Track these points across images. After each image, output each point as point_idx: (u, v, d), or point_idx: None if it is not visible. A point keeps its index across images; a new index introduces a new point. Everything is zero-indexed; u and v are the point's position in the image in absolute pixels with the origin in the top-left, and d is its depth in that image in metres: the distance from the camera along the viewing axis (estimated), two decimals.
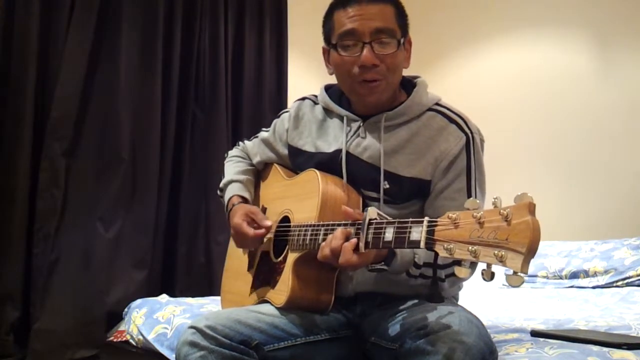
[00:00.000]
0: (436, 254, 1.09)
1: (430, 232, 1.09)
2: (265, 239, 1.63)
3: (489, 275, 1.00)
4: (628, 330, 1.81)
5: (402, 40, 1.49)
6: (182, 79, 3.32)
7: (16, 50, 2.79)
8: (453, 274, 1.40)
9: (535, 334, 1.61)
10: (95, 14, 2.97)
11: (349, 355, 1.51)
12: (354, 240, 1.26)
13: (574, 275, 3.02)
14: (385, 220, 1.22)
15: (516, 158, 3.71)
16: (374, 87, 1.49)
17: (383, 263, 1.33)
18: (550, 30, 3.76)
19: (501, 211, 0.97)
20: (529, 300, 2.68)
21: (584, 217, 3.39)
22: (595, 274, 2.96)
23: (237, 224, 1.60)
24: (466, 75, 4.13)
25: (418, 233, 1.11)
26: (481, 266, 1.02)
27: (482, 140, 1.55)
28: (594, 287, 2.90)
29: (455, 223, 1.04)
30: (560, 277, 3.06)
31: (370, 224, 1.24)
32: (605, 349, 1.43)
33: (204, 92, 3.40)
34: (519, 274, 0.95)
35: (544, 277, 3.12)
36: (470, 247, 1.00)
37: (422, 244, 1.10)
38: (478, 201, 1.04)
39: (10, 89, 2.78)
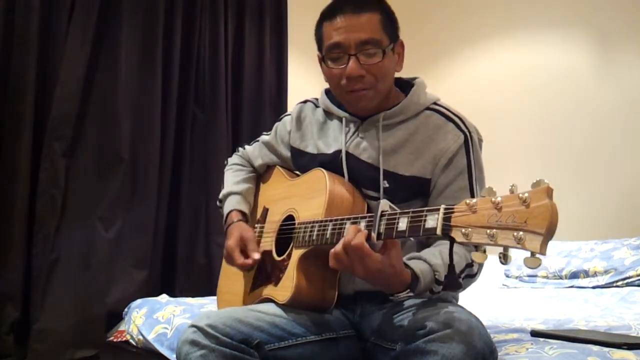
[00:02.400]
0: (452, 242, 1.09)
1: (447, 219, 1.09)
2: (267, 238, 1.64)
3: (506, 259, 1.01)
4: (628, 330, 1.81)
5: (390, 48, 1.51)
6: (182, 79, 3.32)
7: (16, 50, 2.80)
8: (468, 275, 1.41)
9: (535, 334, 1.61)
10: (95, 14, 2.98)
11: (350, 355, 1.50)
12: (365, 231, 1.26)
13: (574, 275, 3.02)
14: (398, 211, 1.22)
15: (516, 158, 3.71)
16: (362, 96, 1.51)
17: (408, 290, 1.32)
18: (551, 30, 3.75)
19: (520, 195, 0.99)
20: (529, 300, 2.68)
21: (584, 217, 3.38)
22: (595, 274, 2.96)
23: (230, 248, 1.61)
24: (466, 75, 4.13)
25: (434, 220, 1.12)
26: (497, 250, 1.03)
27: (480, 140, 1.56)
28: (594, 287, 2.90)
29: (472, 209, 1.05)
30: (560, 277, 3.06)
31: (382, 215, 1.24)
32: (605, 349, 1.43)
33: (204, 92, 3.40)
34: (537, 255, 0.96)
35: (544, 277, 3.11)
36: (488, 231, 1.01)
37: (439, 231, 1.10)
38: (495, 189, 1.05)
39: (10, 89, 2.79)
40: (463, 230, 1.05)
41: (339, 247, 1.27)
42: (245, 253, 1.60)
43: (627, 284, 2.84)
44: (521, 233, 0.97)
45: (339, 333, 1.49)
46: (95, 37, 2.98)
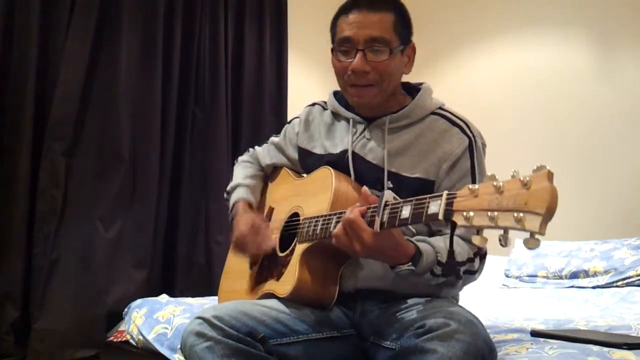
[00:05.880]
0: (453, 226, 1.10)
1: (449, 204, 1.10)
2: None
3: (505, 241, 1.02)
4: (628, 330, 1.81)
5: (399, 49, 1.53)
6: (182, 79, 3.32)
7: (16, 50, 2.79)
8: (468, 271, 1.43)
9: (535, 334, 1.61)
10: (95, 14, 2.97)
11: (350, 354, 1.51)
12: (362, 208, 1.30)
13: (574, 275, 3.02)
14: (401, 201, 1.24)
15: (516, 158, 3.70)
16: (364, 92, 1.55)
17: (410, 264, 1.34)
18: (550, 30, 3.76)
19: (521, 179, 1.00)
20: (529, 300, 2.68)
21: (584, 217, 3.38)
22: (595, 274, 2.96)
23: (242, 235, 1.65)
24: (466, 75, 4.13)
25: (436, 206, 1.13)
26: (498, 233, 1.04)
27: (483, 145, 1.59)
28: (594, 287, 2.91)
29: (474, 194, 1.06)
30: (560, 277, 3.06)
31: (386, 205, 1.25)
32: (605, 349, 1.44)
33: (204, 92, 3.40)
34: (536, 236, 0.97)
35: (544, 277, 3.12)
36: (489, 214, 1.02)
37: (441, 215, 1.11)
38: (497, 175, 1.06)
39: (10, 89, 2.79)
40: (465, 214, 1.06)
41: (339, 225, 1.31)
42: (257, 236, 1.64)
43: (627, 284, 2.84)
44: (521, 214, 0.98)
45: (340, 332, 1.51)
46: (95, 37, 2.98)
